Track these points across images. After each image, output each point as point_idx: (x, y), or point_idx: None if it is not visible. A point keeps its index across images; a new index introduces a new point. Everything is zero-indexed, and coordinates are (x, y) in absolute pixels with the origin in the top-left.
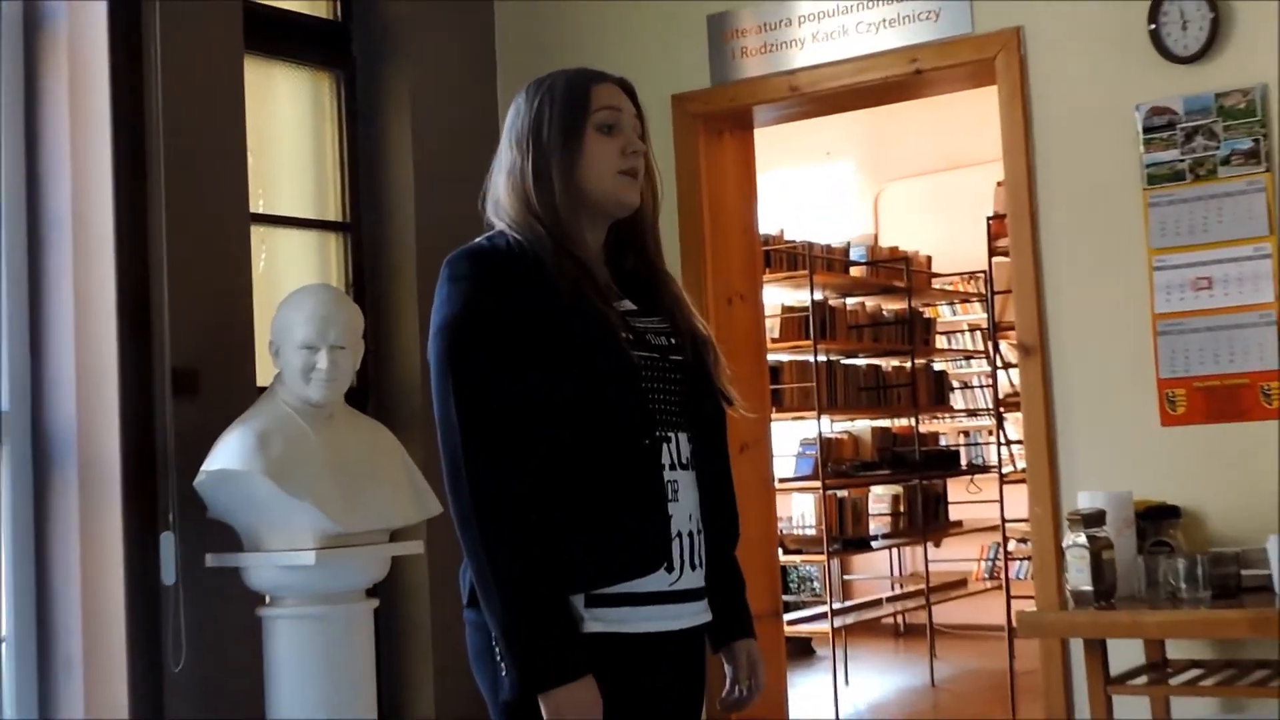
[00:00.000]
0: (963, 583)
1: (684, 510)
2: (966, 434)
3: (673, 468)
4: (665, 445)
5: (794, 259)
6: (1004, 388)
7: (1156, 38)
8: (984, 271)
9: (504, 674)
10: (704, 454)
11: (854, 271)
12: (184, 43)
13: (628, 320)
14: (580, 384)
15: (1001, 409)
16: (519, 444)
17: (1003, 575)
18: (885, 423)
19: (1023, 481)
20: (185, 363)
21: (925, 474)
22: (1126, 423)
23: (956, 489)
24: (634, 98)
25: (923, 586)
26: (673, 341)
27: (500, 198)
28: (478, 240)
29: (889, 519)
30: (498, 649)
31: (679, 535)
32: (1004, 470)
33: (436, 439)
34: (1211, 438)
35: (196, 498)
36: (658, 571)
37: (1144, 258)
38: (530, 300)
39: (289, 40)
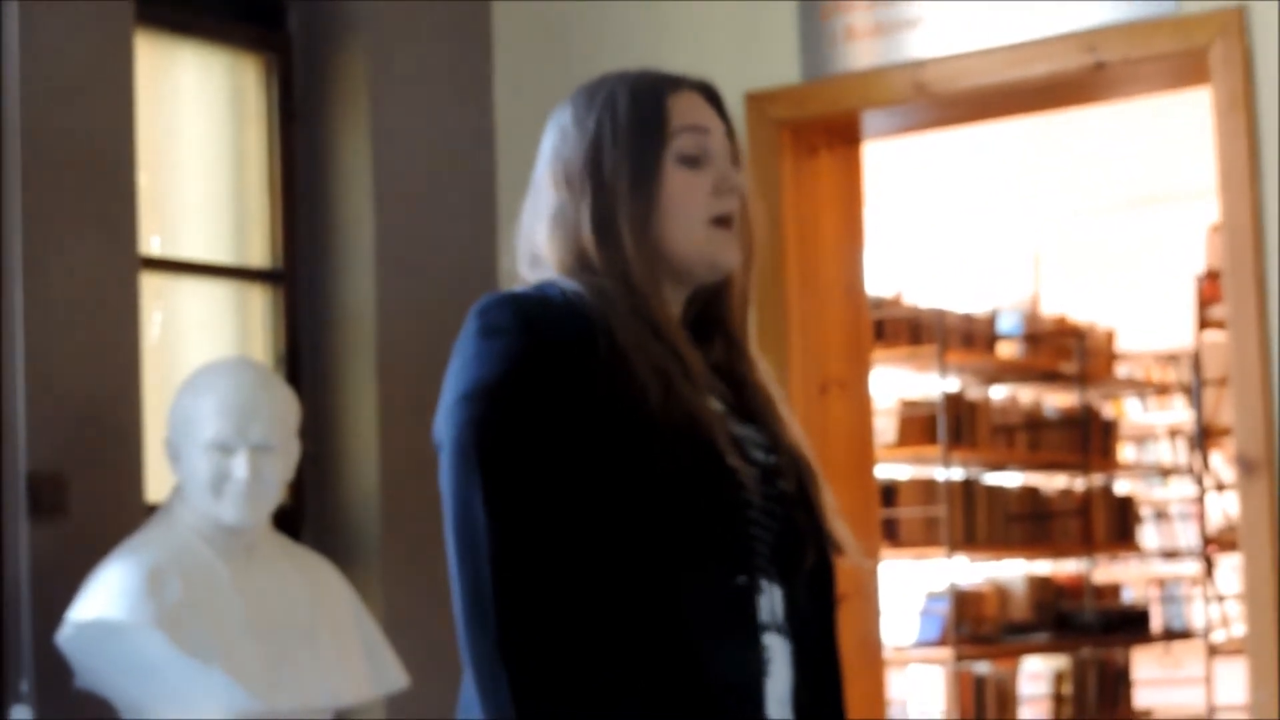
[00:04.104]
0: None
1: (776, 690)
2: (1161, 585)
3: (765, 629)
4: (758, 598)
5: (917, 332)
6: (1216, 520)
7: None
8: (1189, 353)
9: None
10: (802, 618)
11: (1003, 350)
12: (50, 14)
13: (726, 424)
14: (660, 492)
15: (1212, 550)
16: (572, 571)
17: None
18: (1045, 567)
19: (1241, 654)
20: (46, 467)
21: (1101, 641)
22: None
23: (1146, 663)
24: (720, 108)
25: None
26: (774, 461)
27: (542, 249)
28: (519, 288)
29: (1049, 703)
30: None
31: None
32: (1214, 638)
33: (450, 555)
34: None
35: (60, 658)
36: None
37: None
38: (596, 373)
39: (200, 11)
